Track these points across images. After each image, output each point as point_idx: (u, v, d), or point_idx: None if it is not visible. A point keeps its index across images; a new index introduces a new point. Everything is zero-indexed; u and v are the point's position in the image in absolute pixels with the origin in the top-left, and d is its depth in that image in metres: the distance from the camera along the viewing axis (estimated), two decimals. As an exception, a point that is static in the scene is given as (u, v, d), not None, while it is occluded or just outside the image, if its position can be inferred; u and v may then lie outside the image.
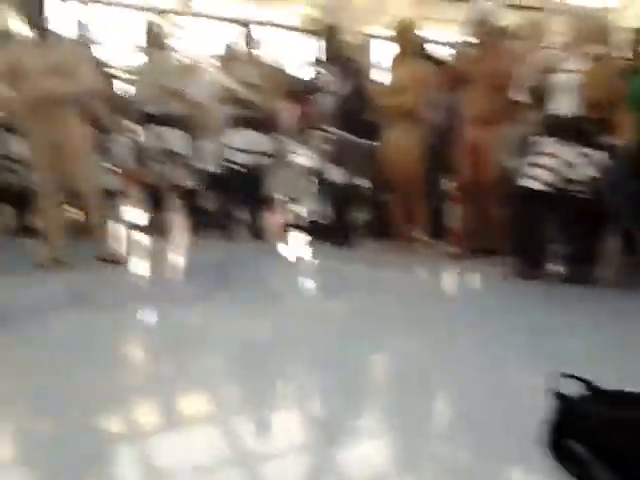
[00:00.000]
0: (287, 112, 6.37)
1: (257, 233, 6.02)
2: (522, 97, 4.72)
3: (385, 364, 3.12)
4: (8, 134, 5.69)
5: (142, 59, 6.10)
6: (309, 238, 6.10)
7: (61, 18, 11.90)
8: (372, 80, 6.14)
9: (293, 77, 6.56)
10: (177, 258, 5.36)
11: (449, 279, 5.02)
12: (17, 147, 5.50)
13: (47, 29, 4.53)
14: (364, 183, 5.84)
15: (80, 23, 8.17)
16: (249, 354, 3.04)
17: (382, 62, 6.53)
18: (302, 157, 6.13)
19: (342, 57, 5.72)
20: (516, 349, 3.19)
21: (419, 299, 4.40)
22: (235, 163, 5.86)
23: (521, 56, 4.88)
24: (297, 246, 6.09)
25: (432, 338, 3.32)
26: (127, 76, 6.27)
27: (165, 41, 6.30)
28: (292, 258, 5.59)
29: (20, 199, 5.90)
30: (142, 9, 13.30)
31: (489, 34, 4.98)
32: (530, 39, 5.29)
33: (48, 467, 1.99)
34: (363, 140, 5.53)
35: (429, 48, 5.93)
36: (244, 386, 2.64)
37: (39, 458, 2.06)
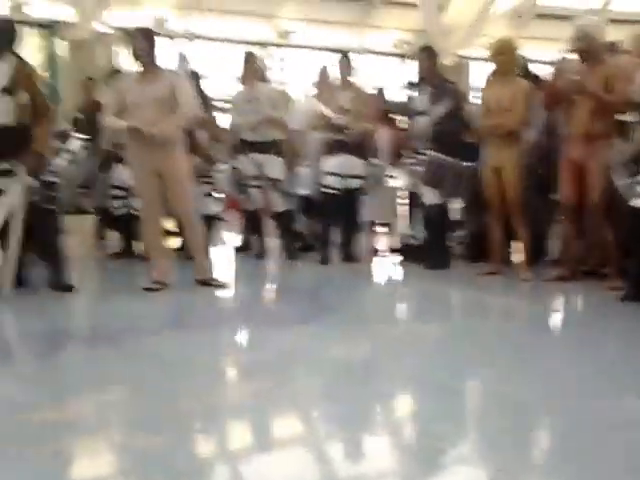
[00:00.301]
0: (382, 136, 6.38)
1: (351, 256, 6.02)
2: (629, 114, 4.54)
3: (481, 390, 3.02)
4: (117, 164, 5.98)
5: (241, 89, 6.27)
6: (404, 261, 6.04)
7: (166, 53, 12.48)
8: (469, 101, 6.07)
9: (387, 101, 6.58)
10: (274, 281, 5.42)
11: (552, 302, 4.83)
12: (124, 176, 5.75)
13: (152, 64, 4.70)
14: (460, 205, 5.76)
15: (182, 57, 8.45)
16: (344, 376, 3.01)
17: (480, 83, 6.44)
18: (397, 180, 6.10)
19: (437, 79, 5.67)
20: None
21: (520, 323, 4.26)
22: (330, 187, 5.89)
23: (627, 72, 4.70)
24: (391, 269, 6.05)
25: (537, 365, 3.18)
26: (227, 106, 6.45)
27: (263, 72, 6.47)
28: (387, 281, 5.56)
29: (127, 225, 6.17)
30: (242, 42, 13.79)
31: (593, 50, 4.81)
32: (636, 54, 5.09)
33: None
34: (459, 161, 5.45)
35: (529, 67, 5.80)
36: (338, 408, 2.60)
37: (136, 473, 2.09)
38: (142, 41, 4.68)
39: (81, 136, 5.12)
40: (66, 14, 12.28)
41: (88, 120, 6.99)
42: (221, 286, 4.87)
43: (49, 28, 12.54)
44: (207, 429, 2.43)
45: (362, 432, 2.40)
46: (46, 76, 12.16)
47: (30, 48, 13.24)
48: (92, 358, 3.32)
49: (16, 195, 4.43)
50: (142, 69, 4.74)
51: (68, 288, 4.66)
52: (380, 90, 6.75)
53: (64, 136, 4.95)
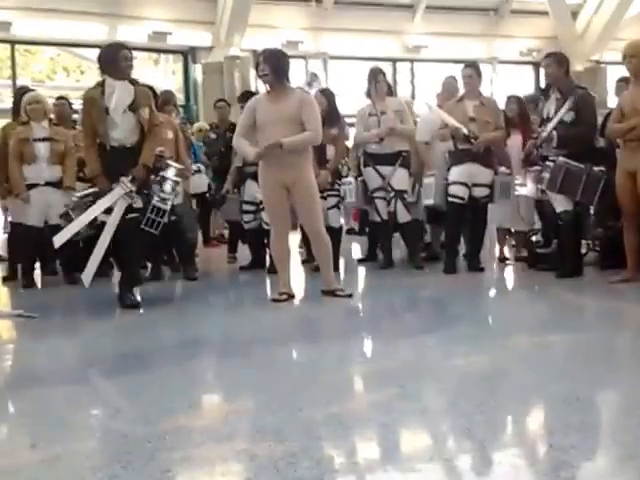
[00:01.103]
0: (514, 143, 6.25)
1: (477, 265, 5.92)
2: None
3: (611, 403, 2.88)
4: (249, 180, 6.23)
5: (367, 103, 6.36)
6: (533, 269, 5.87)
7: (301, 73, 12.87)
8: (605, 105, 5.84)
9: (515, 109, 6.44)
10: (399, 291, 5.42)
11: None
12: (254, 191, 5.99)
13: (278, 83, 4.85)
14: (592, 211, 5.52)
15: (312, 75, 8.70)
16: (470, 388, 2.96)
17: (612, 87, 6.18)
18: (527, 187, 5.94)
19: (565, 85, 5.49)
20: None
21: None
22: (456, 196, 5.84)
23: None
24: (520, 278, 5.89)
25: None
26: (354, 120, 6.56)
27: (389, 86, 6.53)
28: (515, 290, 5.42)
29: (257, 238, 6.42)
30: (372, 59, 13.99)
31: None
32: None
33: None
34: (590, 166, 5.24)
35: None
36: (464, 421, 2.56)
37: None
38: (263, 62, 4.83)
39: (177, 165, 5.38)
40: (203, 40, 12.96)
41: (221, 140, 7.35)
42: (347, 296, 4.94)
43: (186, 54, 13.27)
44: (332, 438, 2.45)
45: (490, 445, 2.34)
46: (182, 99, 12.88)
47: (169, 73, 14.08)
48: (222, 368, 3.47)
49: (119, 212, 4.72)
50: (270, 89, 4.90)
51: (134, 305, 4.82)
52: (519, 98, 6.60)
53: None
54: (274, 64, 4.82)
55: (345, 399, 2.89)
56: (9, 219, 6.49)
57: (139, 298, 4.95)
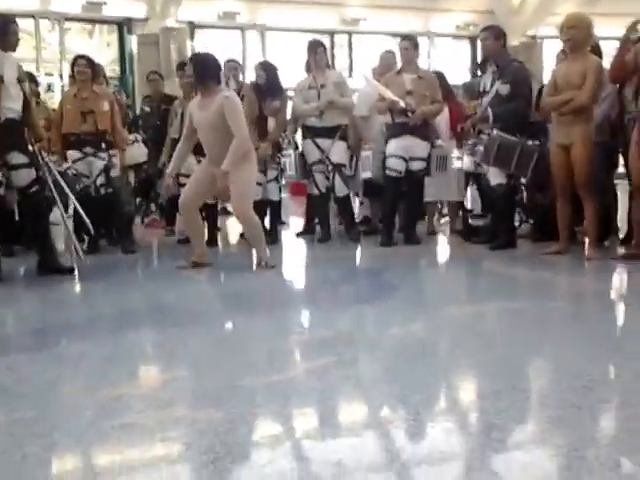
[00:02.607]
0: (445, 117, 6.32)
1: (414, 238, 6.00)
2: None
3: (541, 367, 2.98)
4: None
5: (306, 77, 6.33)
6: (468, 240, 5.99)
7: (237, 45, 12.64)
8: (539, 80, 5.96)
9: (449, 83, 6.52)
10: (336, 263, 5.46)
11: (617, 280, 4.73)
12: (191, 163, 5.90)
13: (205, 88, 4.90)
14: (526, 184, 5.65)
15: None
16: (404, 356, 3.02)
17: (551, 61, 6.29)
18: (461, 161, 6.04)
19: (501, 59, 5.57)
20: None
21: (584, 301, 4.18)
22: (393, 170, 5.89)
23: None
24: (455, 250, 6.00)
25: (601, 346, 3.10)
26: (292, 93, 6.52)
27: (328, 59, 6.51)
28: (450, 262, 5.51)
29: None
30: (310, 31, 13.88)
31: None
32: None
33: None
34: (525, 140, 5.35)
35: (599, 44, 5.62)
36: (398, 387, 2.61)
37: (198, 446, 2.17)
38: (190, 66, 4.95)
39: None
40: (138, 11, 12.63)
41: (156, 112, 7.22)
42: (271, 267, 4.98)
43: (121, 25, 12.92)
44: (271, 405, 2.47)
45: (424, 411, 2.39)
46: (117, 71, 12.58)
47: (104, 45, 13.69)
48: (159, 338, 3.45)
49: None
50: (199, 93, 5.01)
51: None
52: (440, 72, 6.68)
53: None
54: (198, 68, 4.89)
55: (283, 367, 2.91)
56: None
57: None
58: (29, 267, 5.08)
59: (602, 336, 3.24)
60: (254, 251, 5.17)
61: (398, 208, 6.11)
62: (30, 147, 4.86)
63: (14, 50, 4.75)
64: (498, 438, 2.14)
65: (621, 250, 5.16)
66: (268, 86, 6.14)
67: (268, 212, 6.39)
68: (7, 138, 4.64)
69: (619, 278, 4.74)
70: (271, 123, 6.17)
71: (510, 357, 2.93)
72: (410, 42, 6.08)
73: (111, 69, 12.23)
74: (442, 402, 2.59)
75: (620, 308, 4.08)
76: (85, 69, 5.82)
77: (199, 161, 5.51)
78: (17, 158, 4.72)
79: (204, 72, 4.88)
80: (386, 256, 5.61)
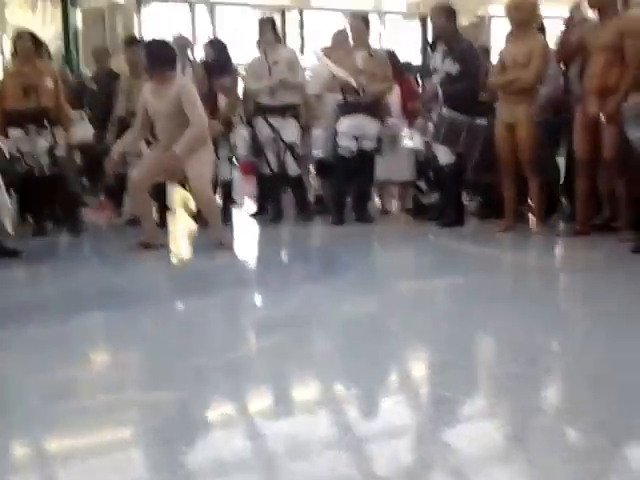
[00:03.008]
0: (395, 96, 6.35)
1: (365, 217, 6.03)
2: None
3: (489, 340, 3.06)
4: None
5: (257, 54, 6.27)
6: (417, 219, 6.05)
7: (186, 20, 12.45)
8: (488, 60, 6.02)
9: (401, 61, 6.53)
10: (287, 243, 5.47)
11: (562, 256, 4.86)
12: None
13: (159, 76, 4.84)
14: (473, 162, 5.72)
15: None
16: (356, 333, 3.06)
17: (498, 41, 6.36)
18: (411, 139, 6.08)
19: (452, 38, 5.61)
20: None
21: (529, 276, 4.29)
22: (344, 148, 5.90)
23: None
24: (405, 228, 6.05)
25: (546, 319, 3.19)
26: (244, 72, 6.45)
27: (279, 36, 6.44)
28: (400, 240, 5.56)
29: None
30: (261, 7, 13.70)
31: (606, 3, 4.73)
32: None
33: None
34: (473, 119, 5.41)
35: (544, 24, 5.71)
36: (350, 364, 2.65)
37: (153, 428, 2.16)
38: (143, 52, 4.93)
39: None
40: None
41: (102, 89, 7.05)
42: (227, 248, 4.97)
43: (65, -1, 12.55)
44: (223, 385, 2.49)
45: (375, 387, 2.43)
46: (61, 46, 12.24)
47: (47, 20, 13.29)
48: (107, 320, 3.41)
49: None
50: (152, 79, 4.92)
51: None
52: (391, 51, 6.70)
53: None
54: (153, 57, 4.85)
55: (236, 347, 2.92)
56: None
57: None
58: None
59: (547, 310, 3.33)
60: (209, 231, 5.12)
61: (349, 187, 6.12)
62: None
63: None
64: (448, 410, 2.19)
65: (566, 227, 5.28)
66: (217, 63, 6.05)
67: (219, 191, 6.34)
68: None
69: (563, 254, 4.87)
70: (221, 100, 6.09)
71: (458, 332, 3.00)
72: (361, 20, 6.07)
73: (55, 45, 11.89)
74: (393, 378, 2.64)
75: (564, 283, 4.20)
76: (27, 44, 5.64)
77: (148, 143, 5.42)
78: None
79: (159, 60, 4.82)
80: (337, 235, 5.63)
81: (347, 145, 5.89)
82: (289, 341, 2.91)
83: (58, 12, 12.80)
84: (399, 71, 6.42)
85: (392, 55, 6.49)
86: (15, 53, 5.84)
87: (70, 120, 5.98)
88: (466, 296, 3.66)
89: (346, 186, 6.09)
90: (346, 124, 5.90)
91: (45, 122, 5.64)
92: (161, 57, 4.85)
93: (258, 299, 3.96)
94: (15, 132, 5.62)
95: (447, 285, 3.95)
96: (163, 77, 4.84)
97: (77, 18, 12.39)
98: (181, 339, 2.98)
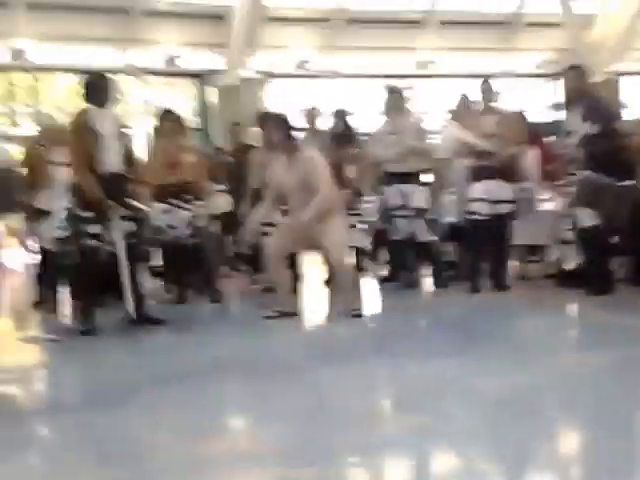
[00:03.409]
0: (530, 158, 6.19)
1: (502, 284, 5.83)
2: None
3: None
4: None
5: (384, 122, 6.33)
6: (562, 287, 5.77)
7: (310, 93, 12.87)
8: (623, 117, 5.79)
9: (534, 123, 6.39)
10: (422, 311, 5.36)
11: None
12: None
13: (289, 148, 5.01)
14: (620, 226, 5.43)
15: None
16: (499, 411, 2.88)
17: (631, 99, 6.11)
18: (550, 203, 5.87)
19: (588, 97, 5.43)
20: None
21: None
22: (478, 214, 5.78)
23: None
24: (547, 296, 5.78)
25: None
26: (372, 140, 6.52)
27: (404, 103, 6.50)
28: (542, 309, 5.31)
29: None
30: (383, 76, 13.96)
31: None
32: None
33: None
34: (616, 181, 5.16)
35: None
36: (495, 446, 2.49)
37: None
38: (271, 128, 5.07)
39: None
40: (216, 62, 13.01)
41: (237, 162, 7.33)
42: (357, 316, 4.95)
43: (201, 77, 13.32)
44: (363, 464, 2.41)
45: (524, 473, 2.28)
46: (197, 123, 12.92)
47: (183, 97, 14.14)
48: (247, 391, 3.42)
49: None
50: (281, 152, 5.06)
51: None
52: (521, 112, 6.57)
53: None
54: (277, 129, 5.04)
55: (377, 423, 2.83)
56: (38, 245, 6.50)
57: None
58: (119, 317, 5.18)
59: None
60: (340, 299, 5.12)
61: (485, 253, 5.97)
62: (132, 200, 4.99)
63: (110, 106, 4.91)
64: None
65: None
66: (344, 133, 6.16)
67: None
68: (111, 190, 4.78)
69: None
70: (350, 171, 6.16)
71: (619, 413, 2.76)
72: (491, 83, 6.02)
73: (192, 121, 12.59)
74: (540, 462, 2.45)
75: None
76: (172, 123, 5.98)
77: (283, 212, 5.54)
78: (119, 210, 4.86)
79: (281, 132, 5.01)
80: (474, 303, 5.46)
81: (480, 210, 5.77)
82: (429, 418, 2.79)
83: (194, 90, 13.61)
84: (535, 133, 6.28)
85: (523, 118, 6.37)
86: (159, 131, 6.21)
87: (209, 192, 6.25)
88: (624, 372, 3.39)
89: (481, 252, 5.94)
90: (479, 189, 5.80)
91: (187, 195, 5.92)
92: (283, 130, 5.01)
93: (395, 371, 3.84)
94: (159, 205, 5.92)
95: (599, 359, 3.68)
96: (290, 148, 4.98)
97: (211, 95, 13.10)
98: (320, 413, 2.91)
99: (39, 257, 6.34)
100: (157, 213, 5.89)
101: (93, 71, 5.16)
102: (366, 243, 6.49)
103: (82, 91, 4.97)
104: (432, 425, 2.71)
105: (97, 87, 4.85)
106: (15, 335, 5.30)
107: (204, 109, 13.32)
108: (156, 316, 5.07)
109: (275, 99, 12.74)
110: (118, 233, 4.83)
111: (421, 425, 2.72)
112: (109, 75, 5.09)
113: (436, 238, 6.33)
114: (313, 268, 7.67)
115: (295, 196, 5.02)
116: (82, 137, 4.79)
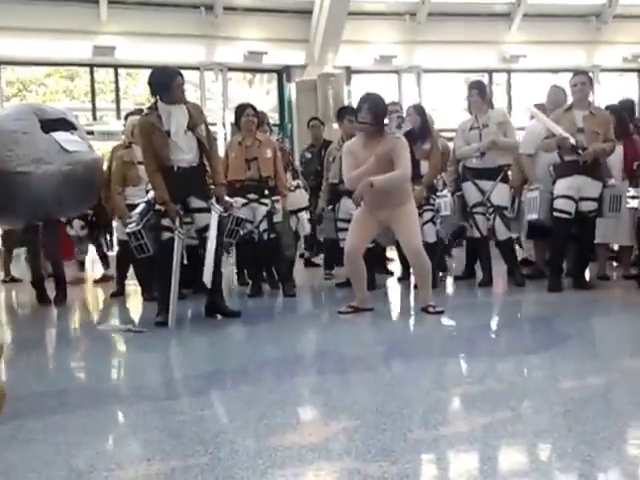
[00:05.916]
0: (617, 155, 5.94)
1: (584, 283, 5.63)
2: None
3: None
4: (347, 198, 6.17)
5: (468, 117, 6.22)
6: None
7: (394, 88, 12.71)
8: None
9: (623, 118, 6.14)
10: (499, 309, 5.24)
11: None
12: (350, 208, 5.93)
13: (377, 132, 4.92)
14: None
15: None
16: (578, 412, 2.78)
17: None
18: (635, 201, 5.63)
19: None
20: None
21: None
22: (562, 211, 5.59)
23: None
24: (631, 296, 5.55)
25: None
26: (455, 135, 6.40)
27: (487, 98, 6.35)
28: (625, 309, 5.10)
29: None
30: (468, 71, 13.74)
31: None
32: None
33: None
34: None
35: None
36: (572, 444, 2.40)
37: None
38: (367, 110, 4.88)
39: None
40: (297, 58, 13.08)
41: (316, 157, 7.35)
42: (438, 312, 4.86)
43: (281, 73, 13.43)
44: (444, 460, 2.38)
45: (602, 473, 2.19)
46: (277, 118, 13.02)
47: (264, 93, 14.30)
48: (324, 384, 3.42)
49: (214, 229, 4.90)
50: (366, 135, 4.95)
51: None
52: (617, 109, 6.28)
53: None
54: (376, 113, 4.89)
55: (453, 420, 2.78)
56: (118, 237, 6.71)
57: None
58: (197, 310, 5.29)
59: None
60: (420, 293, 5.08)
61: (567, 251, 5.78)
62: (209, 192, 5.04)
63: (180, 102, 4.85)
64: None
65: None
66: (420, 129, 6.06)
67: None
68: (182, 186, 4.85)
69: None
70: (425, 166, 6.07)
71: None
72: (585, 77, 5.81)
73: (271, 116, 12.72)
74: (623, 462, 2.34)
75: None
76: (251, 118, 6.03)
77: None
78: (195, 203, 4.94)
79: (381, 116, 4.92)
80: (554, 302, 5.30)
81: (565, 207, 5.58)
82: (510, 415, 2.72)
83: (274, 86, 13.74)
84: (623, 129, 6.02)
85: (618, 113, 6.11)
86: (237, 126, 6.27)
87: (287, 188, 6.28)
88: None
89: (563, 250, 5.75)
90: (564, 185, 5.61)
91: (265, 190, 5.97)
92: (383, 114, 4.94)
93: (471, 369, 3.77)
94: (238, 200, 5.98)
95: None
96: (379, 131, 4.91)
97: (291, 90, 13.18)
98: (398, 409, 2.87)
99: (120, 249, 6.53)
100: (235, 207, 5.95)
101: (158, 66, 5.12)
102: (440, 239, 6.37)
103: (149, 88, 4.97)
104: (506, 423, 2.65)
105: (162, 82, 4.82)
106: (94, 325, 5.46)
107: (283, 104, 13.42)
108: (232, 308, 5.13)
109: (356, 95, 12.73)
110: (213, 229, 4.89)
111: (495, 423, 2.66)
112: (175, 69, 4.99)
113: (515, 236, 6.18)
114: (390, 264, 7.65)
115: (372, 173, 4.84)
116: (148, 137, 4.84)
